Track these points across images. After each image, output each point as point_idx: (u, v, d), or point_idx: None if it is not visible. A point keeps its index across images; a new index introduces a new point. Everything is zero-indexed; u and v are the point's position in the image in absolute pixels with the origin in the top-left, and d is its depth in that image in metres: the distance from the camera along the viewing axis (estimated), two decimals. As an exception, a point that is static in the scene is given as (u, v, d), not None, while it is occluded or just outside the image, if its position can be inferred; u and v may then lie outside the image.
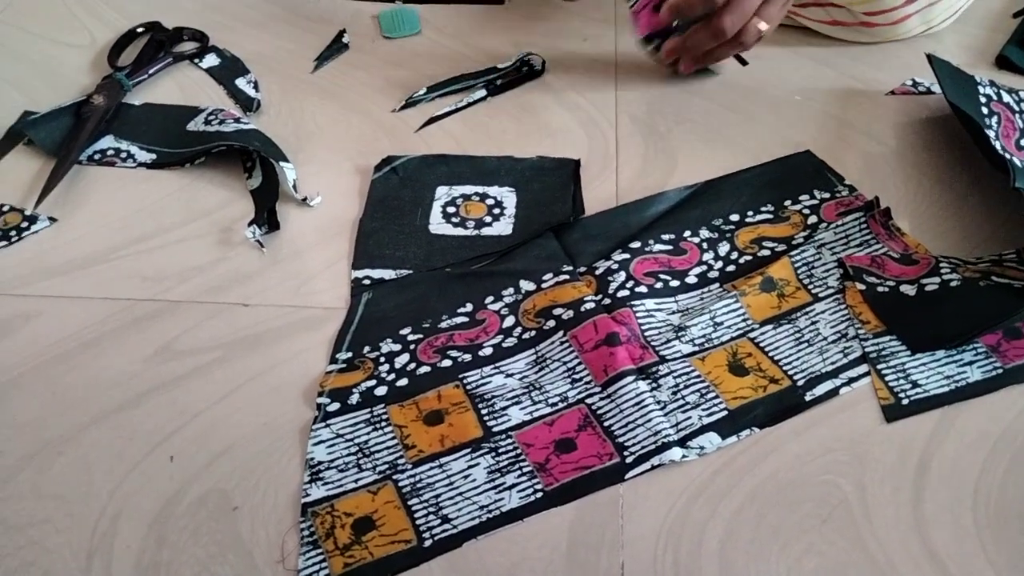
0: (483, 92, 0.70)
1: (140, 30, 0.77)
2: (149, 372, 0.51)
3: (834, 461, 0.46)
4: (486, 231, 0.59)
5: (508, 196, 0.61)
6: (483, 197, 0.61)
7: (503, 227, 0.59)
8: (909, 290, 0.52)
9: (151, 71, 0.72)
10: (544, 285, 0.54)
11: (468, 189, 0.62)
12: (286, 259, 0.58)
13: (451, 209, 0.61)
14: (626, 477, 0.45)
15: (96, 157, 0.65)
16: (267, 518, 0.45)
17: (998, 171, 0.55)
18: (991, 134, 0.61)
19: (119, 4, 0.80)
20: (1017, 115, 0.64)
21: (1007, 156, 0.59)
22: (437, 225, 0.60)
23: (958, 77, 0.64)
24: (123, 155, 0.65)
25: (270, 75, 0.73)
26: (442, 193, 0.62)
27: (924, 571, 0.42)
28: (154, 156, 0.65)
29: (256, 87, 0.71)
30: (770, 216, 0.59)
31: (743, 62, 0.72)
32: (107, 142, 0.66)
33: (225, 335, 0.53)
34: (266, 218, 0.59)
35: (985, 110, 0.63)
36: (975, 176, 0.62)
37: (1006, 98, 0.64)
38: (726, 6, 0.59)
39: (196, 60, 0.74)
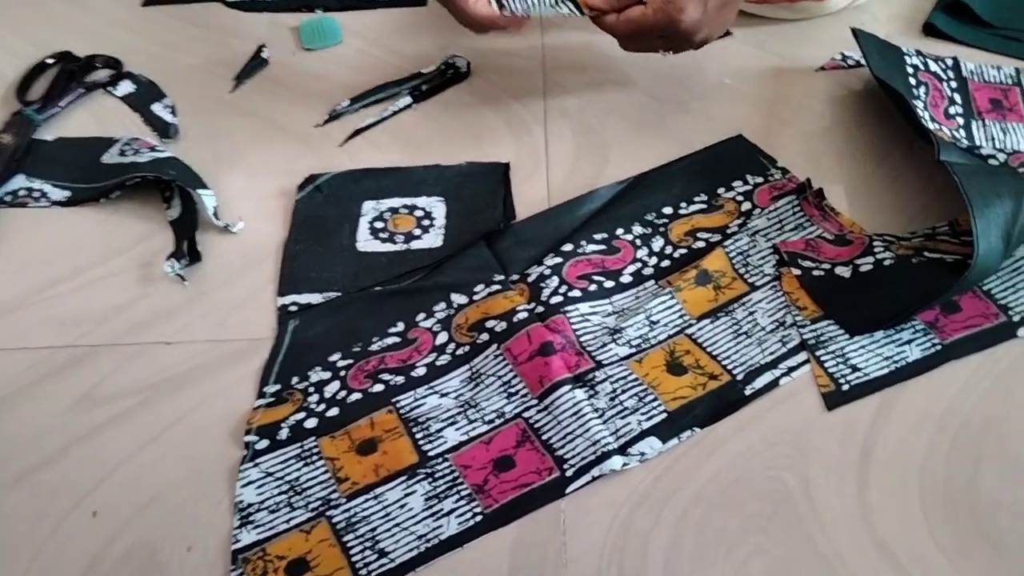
0: (408, 99, 0.69)
1: (50, 61, 0.74)
2: (69, 424, 0.49)
3: (777, 455, 0.45)
4: (416, 244, 0.57)
5: (437, 206, 0.60)
6: (411, 209, 0.60)
7: (433, 239, 0.58)
8: (844, 272, 0.52)
9: (63, 103, 0.69)
10: (476, 297, 0.53)
11: (396, 202, 0.60)
12: (209, 291, 0.56)
13: (379, 224, 0.59)
14: (567, 491, 0.44)
15: (7, 199, 0.62)
16: (196, 569, 0.43)
17: (927, 144, 0.55)
18: (919, 104, 0.61)
19: (29, 34, 0.77)
20: (944, 83, 0.63)
21: (933, 127, 0.59)
22: (365, 242, 0.58)
23: (884, 50, 0.64)
24: (36, 194, 0.62)
25: (187, 98, 0.70)
26: (369, 208, 0.60)
27: (873, 562, 0.42)
28: (68, 193, 0.62)
29: (173, 112, 0.69)
30: (704, 206, 0.58)
31: (671, 49, 0.71)
32: (18, 182, 0.63)
33: (147, 377, 0.51)
34: (187, 250, 0.57)
35: (913, 80, 0.62)
36: (907, 149, 0.61)
37: (933, 67, 0.64)
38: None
39: (110, 88, 0.71)
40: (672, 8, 0.53)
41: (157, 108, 0.69)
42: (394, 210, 0.60)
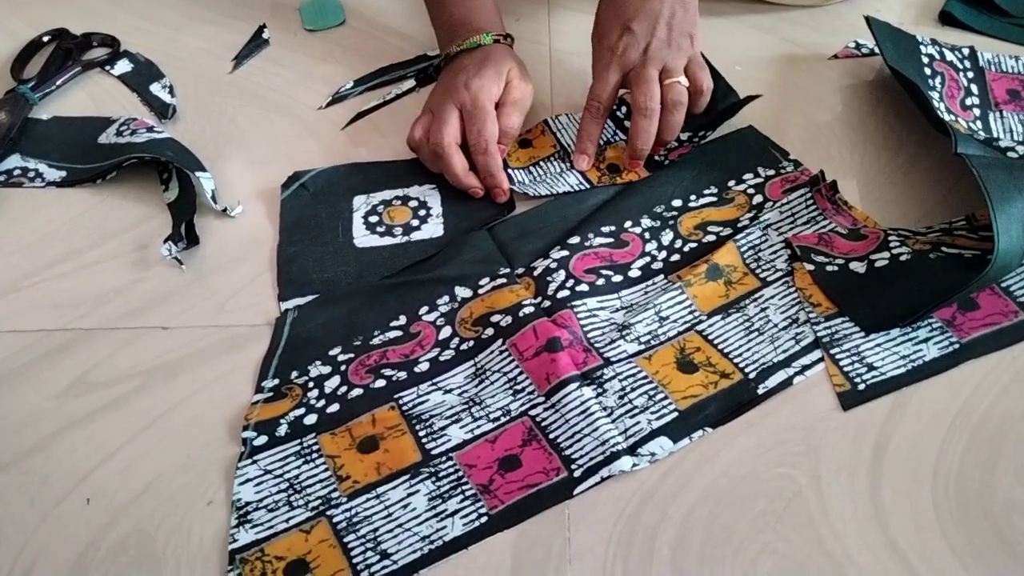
0: (412, 83, 0.67)
1: (46, 39, 0.72)
2: (63, 408, 0.48)
3: (788, 452, 0.44)
4: (416, 236, 0.56)
5: (431, 195, 0.58)
6: (405, 200, 0.58)
7: (433, 229, 0.56)
8: (859, 267, 0.50)
9: (59, 82, 0.68)
10: (481, 291, 0.51)
11: (387, 194, 0.58)
12: (207, 275, 0.54)
13: (373, 218, 0.57)
14: (575, 493, 0.43)
15: (1, 178, 0.61)
16: (193, 560, 0.42)
17: (943, 135, 0.53)
18: (935, 95, 0.59)
19: (23, 11, 0.75)
20: (961, 73, 0.62)
21: (949, 119, 0.57)
22: (362, 238, 0.56)
23: (899, 39, 0.62)
24: (31, 174, 0.61)
25: (186, 78, 0.69)
26: (360, 203, 0.58)
27: (884, 562, 0.41)
28: (64, 173, 0.61)
29: (171, 92, 0.67)
30: (714, 199, 0.56)
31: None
32: (13, 161, 0.62)
33: (144, 362, 0.50)
34: (184, 233, 0.55)
35: (928, 71, 0.61)
36: (922, 140, 0.60)
37: (949, 56, 0.62)
38: (635, 87, 0.56)
39: (107, 67, 0.70)
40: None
41: (155, 88, 0.67)
42: (387, 202, 0.58)
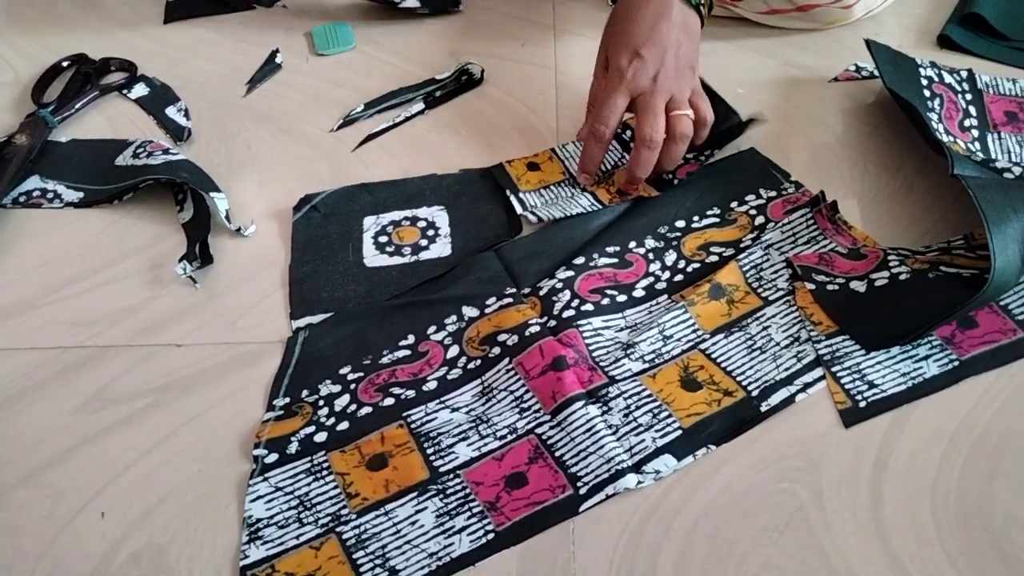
0: (420, 105, 0.69)
1: (66, 63, 0.74)
2: (79, 424, 0.49)
3: (789, 467, 0.45)
4: (425, 255, 0.57)
5: (439, 215, 0.59)
6: (413, 220, 0.59)
7: (441, 248, 0.57)
8: (859, 286, 0.51)
9: (77, 105, 0.70)
10: (488, 310, 0.52)
11: (396, 215, 0.60)
12: (221, 293, 0.56)
13: (383, 238, 0.58)
14: (580, 510, 0.44)
15: (21, 199, 0.62)
16: (204, 571, 0.43)
17: (941, 157, 0.54)
18: (933, 117, 0.60)
19: (44, 37, 0.78)
20: (959, 95, 0.63)
21: (946, 140, 0.58)
22: (372, 257, 0.57)
23: (898, 61, 0.64)
24: (50, 195, 0.63)
25: (201, 101, 0.70)
26: (370, 223, 0.59)
27: (885, 577, 0.41)
28: (82, 195, 0.62)
29: (187, 115, 0.69)
30: (716, 220, 0.57)
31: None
32: (33, 183, 0.64)
33: (158, 379, 0.51)
34: (198, 252, 0.57)
35: (927, 92, 0.62)
36: (921, 161, 0.61)
37: (948, 79, 0.64)
38: (641, 116, 0.57)
39: (124, 91, 0.72)
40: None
41: (171, 111, 0.69)
42: (396, 223, 0.59)
